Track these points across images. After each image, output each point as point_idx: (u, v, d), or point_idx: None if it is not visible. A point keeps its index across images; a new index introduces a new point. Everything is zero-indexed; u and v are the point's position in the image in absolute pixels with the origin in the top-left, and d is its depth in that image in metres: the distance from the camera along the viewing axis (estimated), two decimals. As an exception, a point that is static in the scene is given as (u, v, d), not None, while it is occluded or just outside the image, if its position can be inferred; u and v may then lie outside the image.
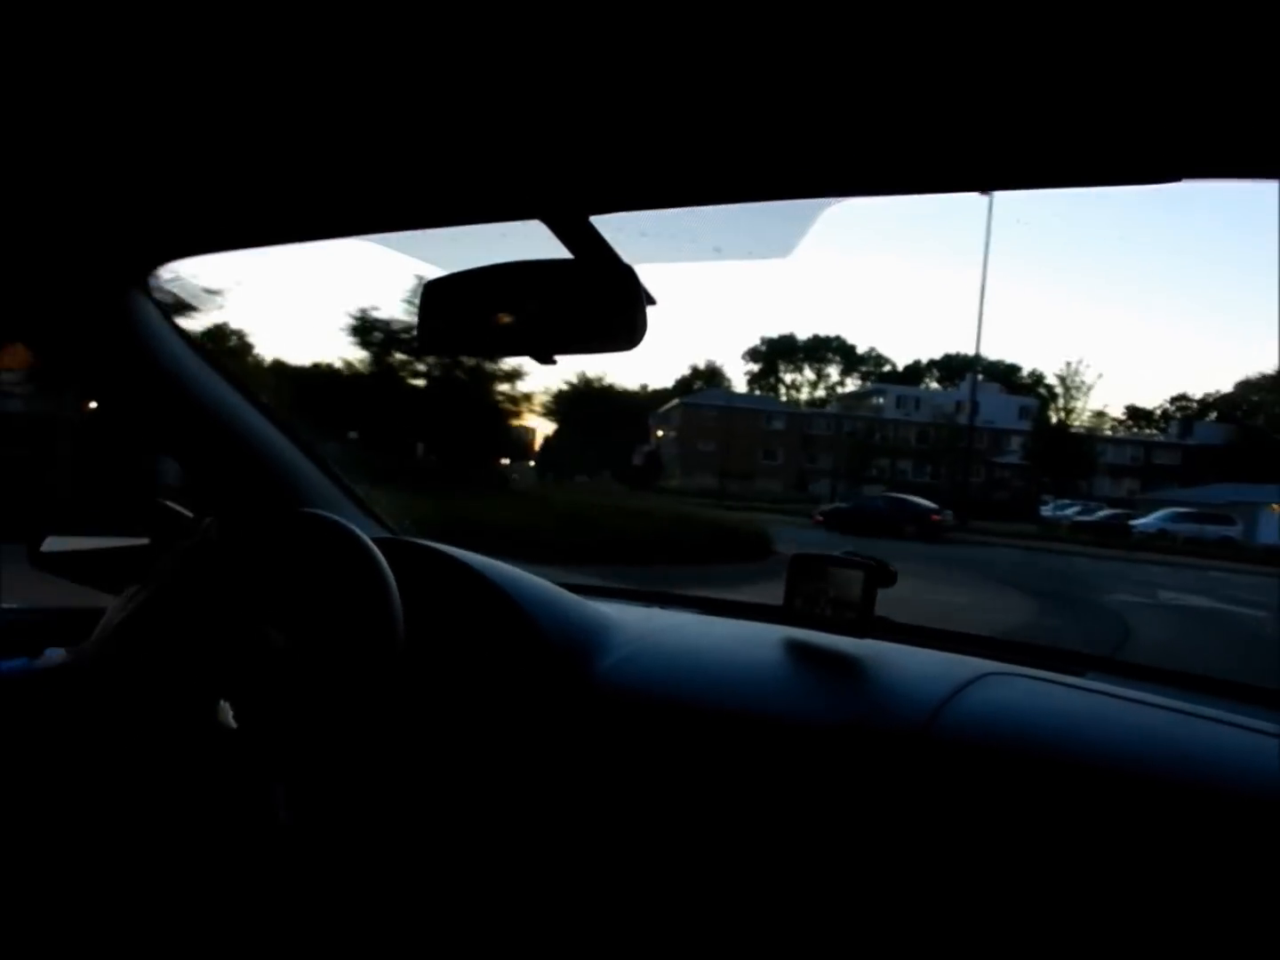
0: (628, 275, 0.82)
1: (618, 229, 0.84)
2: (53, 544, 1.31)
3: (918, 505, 19.29)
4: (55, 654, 1.21)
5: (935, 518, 18.28)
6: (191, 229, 1.05)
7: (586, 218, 0.83)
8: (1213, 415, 50.42)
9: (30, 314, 1.17)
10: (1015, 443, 35.79)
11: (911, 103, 0.61)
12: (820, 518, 19.35)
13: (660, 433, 43.21)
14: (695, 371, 61.16)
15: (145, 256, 1.15)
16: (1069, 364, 34.72)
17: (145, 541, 1.29)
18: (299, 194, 0.92)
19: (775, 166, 0.74)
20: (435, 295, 0.91)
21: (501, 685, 1.14)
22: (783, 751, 0.97)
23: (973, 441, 29.52)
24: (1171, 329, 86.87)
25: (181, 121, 0.75)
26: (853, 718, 0.98)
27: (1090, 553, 17.52)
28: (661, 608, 1.48)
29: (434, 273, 0.91)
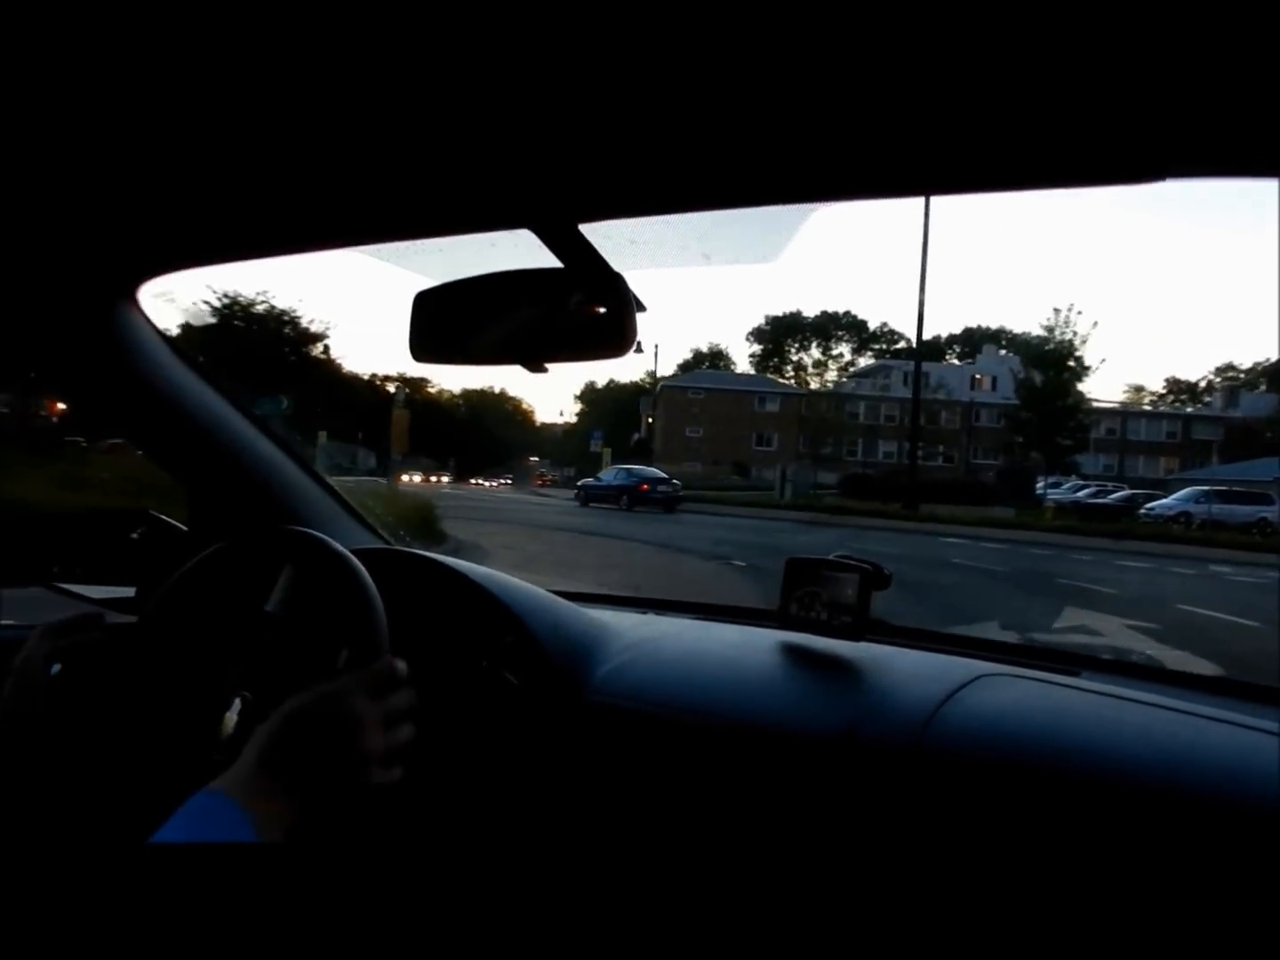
0: (617, 282, 0.82)
1: (606, 236, 0.85)
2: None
3: (635, 475, 21.02)
4: (53, 669, 1.21)
5: (643, 487, 20.05)
6: (180, 241, 1.05)
7: (575, 226, 0.83)
8: (1262, 386, 46.44)
9: (17, 327, 1.16)
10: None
11: (894, 108, 0.62)
12: (577, 491, 21.94)
13: (650, 419, 41.56)
14: (698, 355, 59.49)
15: (133, 269, 1.14)
16: (1057, 311, 30.13)
17: (131, 593, 1.30)
18: (288, 206, 0.92)
19: (763, 172, 0.74)
20: (426, 305, 0.91)
21: (498, 694, 1.14)
22: (778, 761, 0.97)
23: (917, 419, 25.85)
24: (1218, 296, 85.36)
25: (171, 133, 0.75)
26: (849, 723, 0.97)
27: (1053, 542, 14.59)
28: (657, 613, 1.48)
29: (424, 283, 0.92)
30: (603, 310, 0.83)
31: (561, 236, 0.83)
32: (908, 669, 1.10)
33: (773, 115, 0.64)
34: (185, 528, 1.36)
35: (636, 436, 39.81)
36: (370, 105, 0.68)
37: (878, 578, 1.11)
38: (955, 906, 0.84)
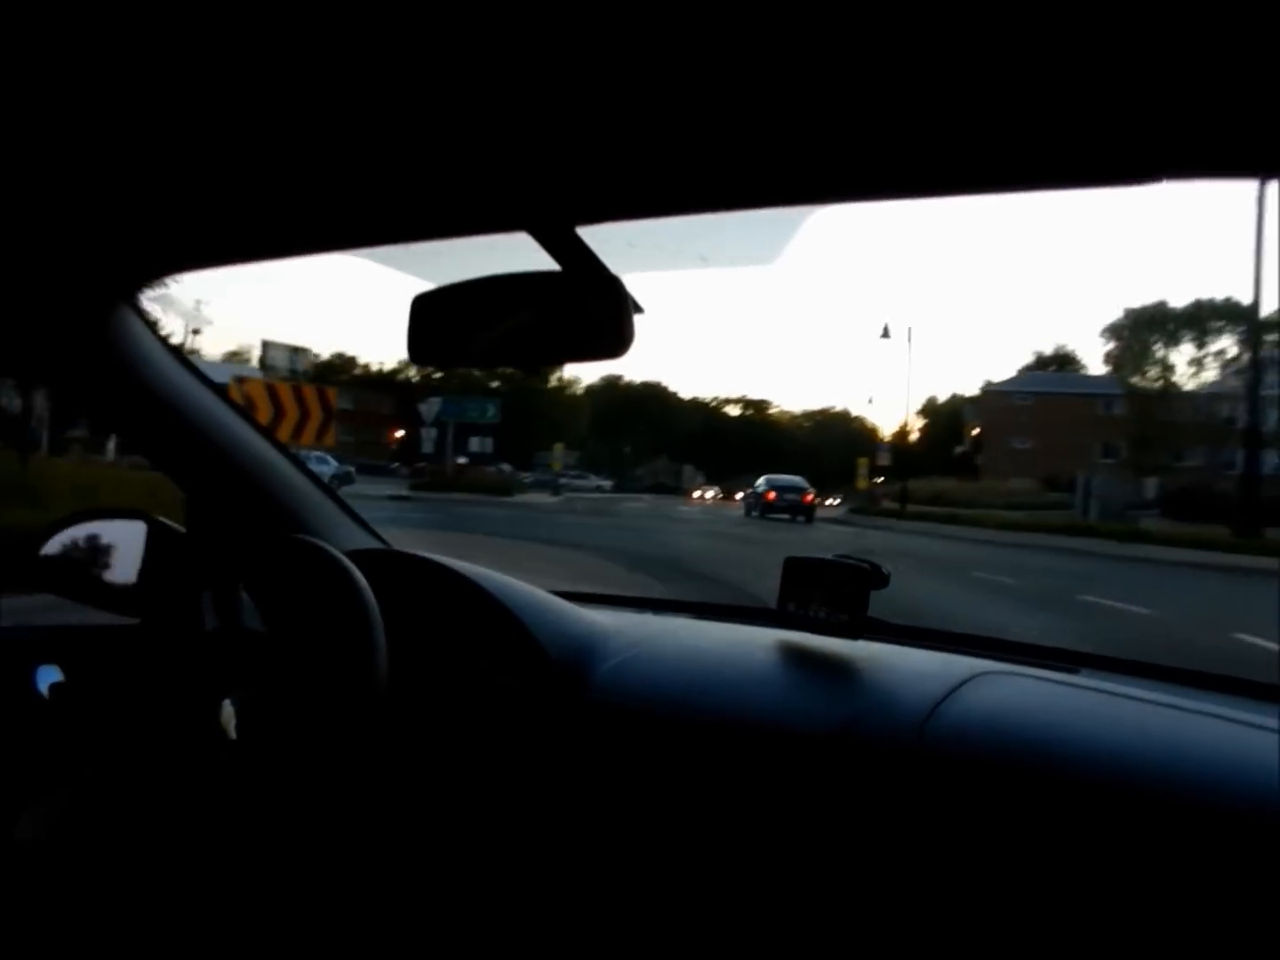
0: (614, 285, 0.83)
1: (604, 239, 0.85)
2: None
3: (769, 484, 21.67)
4: (48, 672, 1.23)
5: (769, 496, 20.85)
6: (177, 244, 1.06)
7: (573, 229, 0.83)
8: None
9: (15, 330, 1.16)
10: None
11: (887, 110, 0.62)
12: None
13: (976, 430, 37.69)
14: (1040, 359, 51.42)
15: (132, 272, 1.14)
16: None
17: (135, 621, 1.29)
18: (287, 210, 0.93)
19: (760, 174, 0.75)
20: (424, 308, 0.92)
21: (498, 695, 1.14)
22: (777, 758, 0.97)
23: (1255, 416, 19.14)
24: None
25: (169, 137, 0.76)
26: (847, 720, 0.98)
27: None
28: (655, 613, 1.48)
29: (422, 286, 0.92)
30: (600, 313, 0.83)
31: (559, 239, 0.84)
32: (906, 666, 1.10)
33: (769, 117, 0.65)
34: (183, 530, 1.35)
35: (959, 449, 37.11)
36: (368, 110, 0.69)
37: (876, 576, 1.10)
38: (953, 904, 0.84)
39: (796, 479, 22.53)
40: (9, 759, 1.23)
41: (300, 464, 1.41)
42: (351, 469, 23.07)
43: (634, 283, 0.85)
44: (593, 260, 0.85)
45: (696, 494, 38.90)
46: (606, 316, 0.83)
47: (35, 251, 1.04)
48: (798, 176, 0.74)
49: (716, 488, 39.45)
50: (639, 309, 0.84)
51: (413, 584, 1.22)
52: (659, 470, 49.31)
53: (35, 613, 1.35)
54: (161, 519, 1.33)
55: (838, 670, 1.10)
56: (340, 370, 52.07)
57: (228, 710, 1.01)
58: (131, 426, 1.31)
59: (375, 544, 1.43)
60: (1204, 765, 0.85)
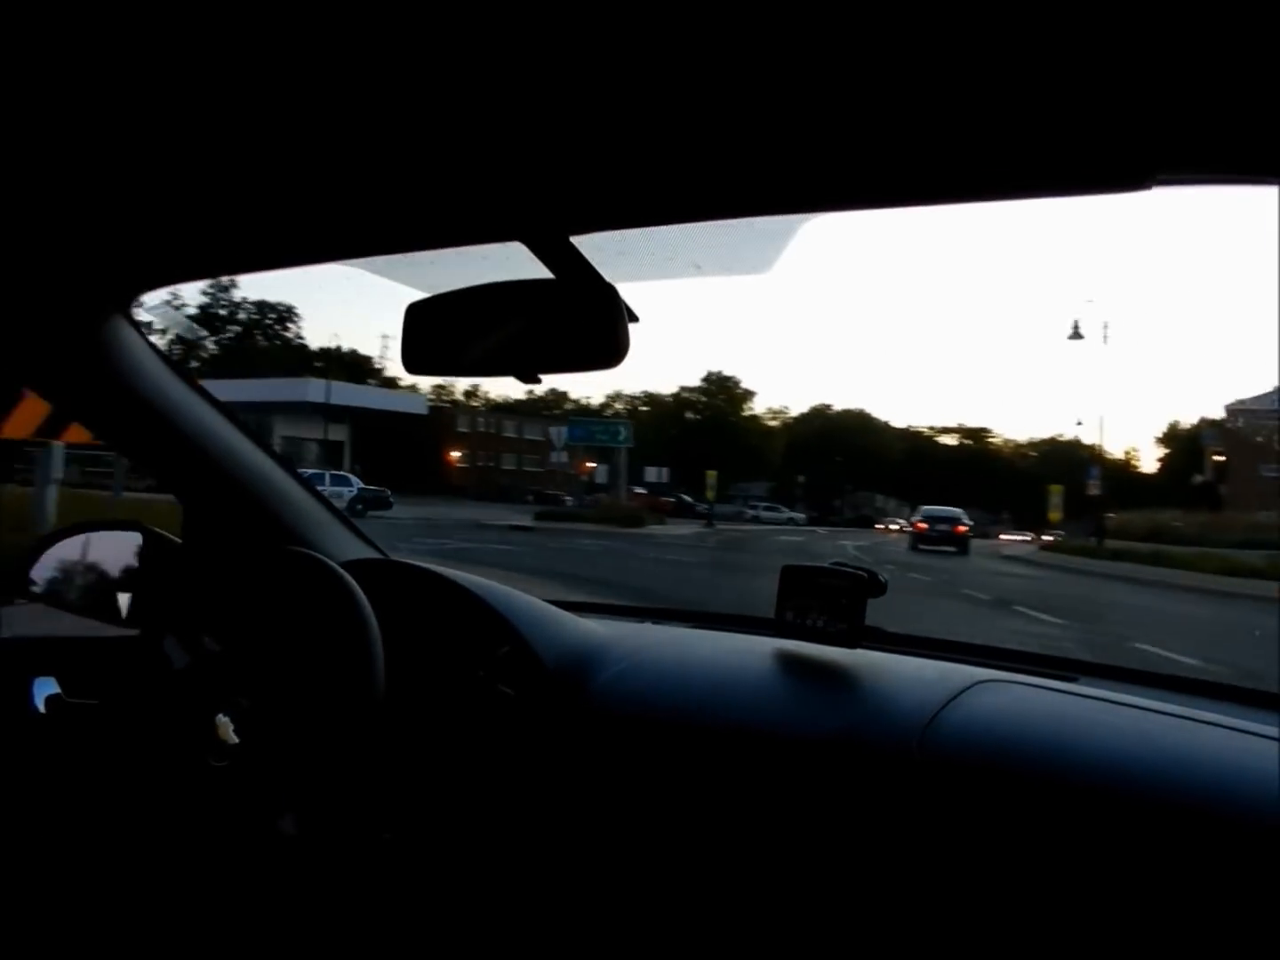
0: (609, 294, 0.83)
1: (598, 248, 0.85)
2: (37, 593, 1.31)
3: (921, 514, 23.02)
4: (45, 685, 1.22)
5: (919, 527, 22.00)
6: (174, 255, 1.06)
7: (567, 238, 0.83)
8: None
9: (11, 340, 1.16)
10: None
11: (882, 118, 0.63)
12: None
13: (1220, 457, 33.35)
14: None
15: (128, 282, 1.14)
16: None
17: (135, 633, 1.28)
18: (282, 219, 0.94)
19: (754, 183, 0.75)
20: (418, 317, 0.92)
21: (496, 705, 1.14)
22: (778, 766, 0.97)
23: None
24: None
25: (165, 147, 0.77)
26: (847, 729, 0.97)
27: None
28: (654, 622, 1.47)
29: (416, 296, 0.93)
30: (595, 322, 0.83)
31: (553, 248, 0.84)
32: (905, 675, 1.09)
33: (763, 127, 0.66)
34: (179, 540, 1.35)
35: (1199, 479, 33.35)
36: (363, 120, 0.69)
37: (873, 585, 1.10)
38: (952, 911, 0.84)
39: (952, 510, 23.20)
40: (5, 771, 1.24)
41: (297, 475, 1.42)
42: (387, 492, 22.55)
43: (628, 291, 0.85)
44: (587, 269, 0.85)
45: (881, 526, 38.52)
46: (601, 325, 0.83)
47: (31, 261, 1.04)
48: (792, 185, 0.74)
49: (902, 520, 39.08)
50: (634, 318, 0.84)
51: (409, 593, 1.23)
52: (859, 502, 48.11)
53: (31, 624, 1.34)
54: (156, 529, 1.34)
55: (836, 678, 1.09)
56: (553, 405, 53.98)
57: (224, 723, 1.03)
58: (127, 437, 1.32)
59: (371, 553, 1.44)
60: (1204, 773, 0.85)
